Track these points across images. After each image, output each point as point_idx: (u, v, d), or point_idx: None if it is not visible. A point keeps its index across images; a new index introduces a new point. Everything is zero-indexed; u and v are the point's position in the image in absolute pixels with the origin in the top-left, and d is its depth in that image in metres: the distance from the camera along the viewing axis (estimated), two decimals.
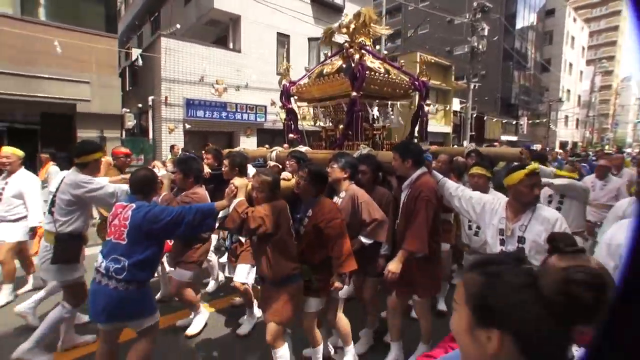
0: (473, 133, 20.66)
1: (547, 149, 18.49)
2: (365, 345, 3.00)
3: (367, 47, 4.06)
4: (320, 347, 2.61)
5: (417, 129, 4.39)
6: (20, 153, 3.65)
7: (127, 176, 3.22)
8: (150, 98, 9.37)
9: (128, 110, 9.59)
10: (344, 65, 3.91)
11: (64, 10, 8.00)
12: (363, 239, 2.68)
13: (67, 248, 2.73)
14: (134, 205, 2.18)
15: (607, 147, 29.15)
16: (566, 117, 35.48)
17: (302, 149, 3.83)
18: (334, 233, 2.34)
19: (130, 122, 9.79)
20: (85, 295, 2.72)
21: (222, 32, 11.11)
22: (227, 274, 3.63)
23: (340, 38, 4.29)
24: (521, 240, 2.15)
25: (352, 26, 4.02)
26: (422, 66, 4.37)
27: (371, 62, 3.95)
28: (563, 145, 31.86)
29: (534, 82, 32.45)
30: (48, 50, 7.63)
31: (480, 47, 17.57)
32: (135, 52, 9.33)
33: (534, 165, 2.16)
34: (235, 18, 10.29)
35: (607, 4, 50.96)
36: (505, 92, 27.96)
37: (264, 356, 2.82)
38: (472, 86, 17.79)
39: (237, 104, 9.89)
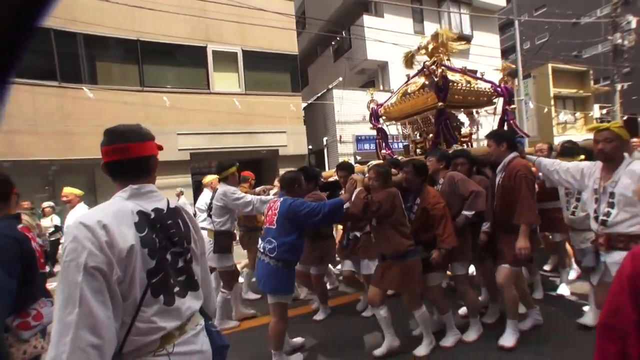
0: None
1: None
2: (493, 317, 3.50)
3: (446, 64, 4.51)
4: (450, 313, 3.16)
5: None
6: (78, 192, 4.59)
7: (255, 190, 4.79)
8: (324, 138, 12.31)
9: None
10: (427, 82, 4.34)
11: (267, 82, 11.51)
12: (465, 212, 3.11)
13: (222, 241, 3.75)
14: (281, 199, 2.91)
15: None
16: None
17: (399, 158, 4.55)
18: (439, 214, 2.90)
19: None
20: (236, 281, 3.95)
21: (369, 77, 13.92)
22: (343, 268, 4.21)
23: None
24: (612, 195, 2.34)
25: (431, 46, 4.54)
26: (504, 73, 4.64)
27: (452, 75, 4.38)
28: None
29: None
30: (259, 112, 11.07)
31: (627, 42, 17.08)
32: (301, 104, 12.50)
33: (596, 124, 2.52)
34: (383, 64, 12.97)
35: None
36: None
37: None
38: (618, 87, 17.35)
39: (393, 135, 12.21)
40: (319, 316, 4.05)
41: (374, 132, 5.41)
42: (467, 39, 14.52)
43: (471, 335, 3.18)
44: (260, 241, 2.97)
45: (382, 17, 12.95)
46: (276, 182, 5.19)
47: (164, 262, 1.22)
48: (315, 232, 3.74)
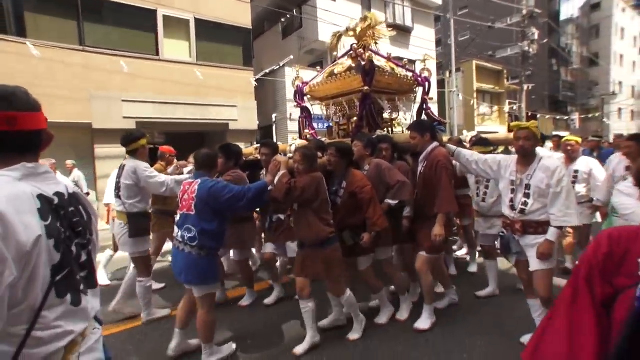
0: None
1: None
2: (415, 295, 3.73)
3: (373, 49, 4.56)
4: (383, 292, 3.27)
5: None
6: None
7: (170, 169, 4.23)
8: (274, 115, 12.55)
9: None
10: (354, 65, 4.32)
11: (219, 54, 11.31)
12: (389, 201, 3.16)
13: (138, 224, 3.37)
14: (199, 181, 2.62)
15: None
16: (619, 109, 36.69)
17: (322, 139, 4.49)
18: (367, 197, 2.88)
19: None
20: (151, 265, 3.58)
21: (318, 58, 14.32)
22: (264, 250, 4.05)
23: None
24: (527, 187, 2.60)
25: (359, 29, 4.51)
26: (424, 64, 4.77)
27: (378, 60, 4.41)
28: (617, 137, 33.16)
29: (582, 78, 34.23)
30: (210, 84, 10.91)
31: (531, 50, 20.02)
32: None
33: (518, 123, 2.80)
34: None
35: None
36: (552, 90, 30.02)
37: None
38: (525, 87, 20.19)
39: (318, 115, 12.88)
40: (245, 301, 3.92)
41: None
42: (408, 30, 15.68)
43: (404, 314, 3.38)
44: (176, 229, 2.72)
45: (334, 0, 13.40)
46: (191, 159, 4.59)
47: (69, 256, 1.05)
48: (235, 216, 3.48)
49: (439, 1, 16.94)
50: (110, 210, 4.58)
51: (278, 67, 12.60)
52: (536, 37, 20.33)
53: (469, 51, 26.02)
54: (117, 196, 3.44)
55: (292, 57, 12.72)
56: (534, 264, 2.63)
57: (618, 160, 3.96)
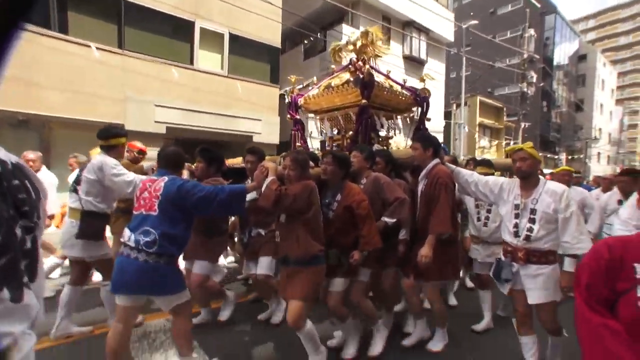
0: None
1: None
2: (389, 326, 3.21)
3: (372, 65, 4.39)
4: (351, 320, 2.86)
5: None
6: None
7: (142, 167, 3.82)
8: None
9: None
10: (352, 79, 4.16)
11: (248, 69, 11.67)
12: (386, 219, 2.85)
13: (92, 224, 2.91)
14: (166, 178, 2.30)
15: None
16: (598, 153, 38.88)
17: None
18: (364, 213, 2.62)
19: None
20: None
21: None
22: (248, 271, 3.67)
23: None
24: (533, 212, 2.44)
25: (359, 43, 4.38)
26: (423, 83, 4.59)
27: (377, 77, 4.22)
28: (597, 177, 34.94)
29: (569, 121, 36.11)
30: (237, 97, 11.20)
31: (530, 92, 21.25)
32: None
33: (512, 146, 2.64)
34: None
35: (632, 47, 55.86)
36: (543, 130, 31.49)
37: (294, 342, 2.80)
38: (522, 125, 21.25)
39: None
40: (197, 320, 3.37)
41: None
42: (422, 62, 16.45)
43: (377, 347, 2.97)
44: (127, 232, 2.26)
45: (357, 28, 14.01)
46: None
47: (12, 239, 0.81)
48: (207, 227, 3.14)
49: (450, 38, 17.87)
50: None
51: (301, 86, 12.97)
52: (535, 80, 21.65)
53: (470, 86, 27.30)
54: (74, 190, 3.01)
55: (315, 78, 13.15)
56: (535, 297, 2.44)
57: (609, 194, 4.41)
